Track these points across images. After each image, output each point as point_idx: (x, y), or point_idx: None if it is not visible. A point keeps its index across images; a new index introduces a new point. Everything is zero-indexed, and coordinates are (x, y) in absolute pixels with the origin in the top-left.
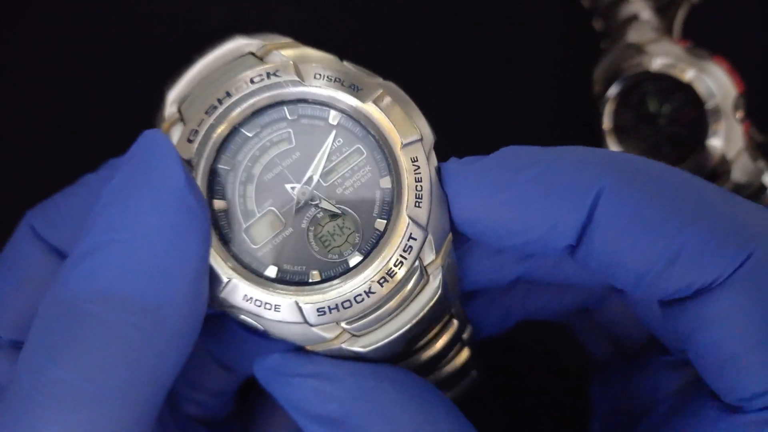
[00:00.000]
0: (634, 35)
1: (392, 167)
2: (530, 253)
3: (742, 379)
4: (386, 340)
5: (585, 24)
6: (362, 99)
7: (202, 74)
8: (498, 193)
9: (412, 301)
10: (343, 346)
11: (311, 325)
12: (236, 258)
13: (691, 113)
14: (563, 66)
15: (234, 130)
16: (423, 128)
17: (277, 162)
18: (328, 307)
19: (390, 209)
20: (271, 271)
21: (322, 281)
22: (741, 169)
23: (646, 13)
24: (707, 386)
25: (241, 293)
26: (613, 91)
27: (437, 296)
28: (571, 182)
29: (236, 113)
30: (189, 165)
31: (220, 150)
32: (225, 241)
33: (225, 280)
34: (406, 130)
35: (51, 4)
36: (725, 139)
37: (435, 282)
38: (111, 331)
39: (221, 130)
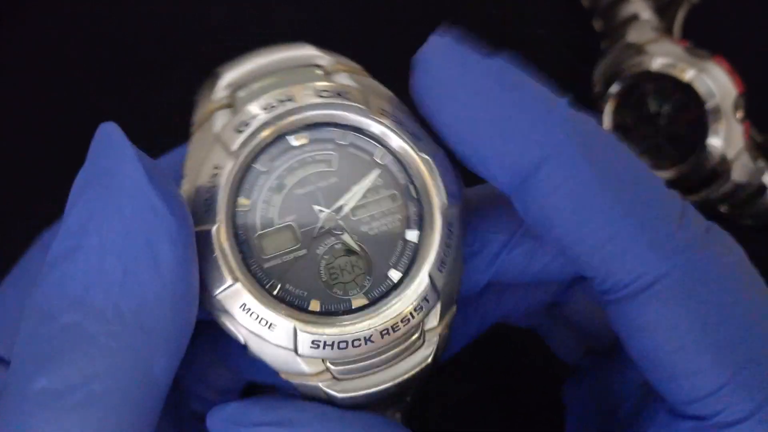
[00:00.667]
0: (634, 35)
1: (425, 224)
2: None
3: (675, 386)
4: (364, 392)
5: (585, 24)
6: (417, 149)
7: (265, 69)
8: (484, 106)
9: (401, 360)
10: (321, 385)
11: (298, 355)
12: (244, 262)
13: (691, 113)
14: (563, 66)
15: (281, 136)
16: (461, 197)
17: (313, 181)
18: (325, 342)
19: (410, 263)
20: (274, 287)
21: (321, 313)
22: (741, 169)
23: (646, 13)
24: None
25: (240, 301)
26: (613, 91)
27: (426, 363)
28: (535, 124)
29: (290, 119)
30: (232, 156)
31: (263, 150)
32: (239, 242)
33: (229, 282)
34: (447, 194)
35: (51, 4)
36: (725, 139)
37: (428, 349)
38: (88, 339)
39: (270, 131)
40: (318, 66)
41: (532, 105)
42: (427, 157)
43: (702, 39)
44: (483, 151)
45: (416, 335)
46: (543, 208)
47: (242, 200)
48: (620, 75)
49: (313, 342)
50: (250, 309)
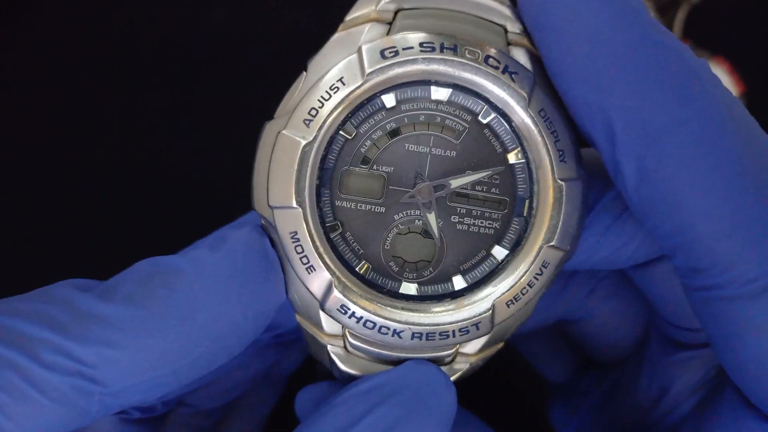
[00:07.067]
0: None
1: (519, 250)
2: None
3: None
4: (360, 374)
5: None
6: (557, 169)
7: (447, 4)
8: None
9: None
10: (329, 348)
11: (322, 309)
12: (317, 189)
13: None
14: None
15: (423, 82)
16: (573, 245)
17: (429, 143)
18: (354, 313)
19: (480, 280)
20: (333, 229)
21: (365, 280)
22: None
23: None
24: (740, 393)
25: (293, 227)
26: None
27: None
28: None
29: (440, 69)
30: (363, 78)
31: (397, 86)
32: (323, 167)
33: (292, 202)
34: (561, 235)
35: (51, 4)
36: None
37: (452, 370)
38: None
39: (414, 70)
40: (505, 29)
41: (669, 53)
42: (562, 183)
43: (702, 39)
44: (603, 101)
45: (448, 352)
46: (669, 179)
47: (349, 127)
48: None
49: (342, 306)
50: (298, 240)
